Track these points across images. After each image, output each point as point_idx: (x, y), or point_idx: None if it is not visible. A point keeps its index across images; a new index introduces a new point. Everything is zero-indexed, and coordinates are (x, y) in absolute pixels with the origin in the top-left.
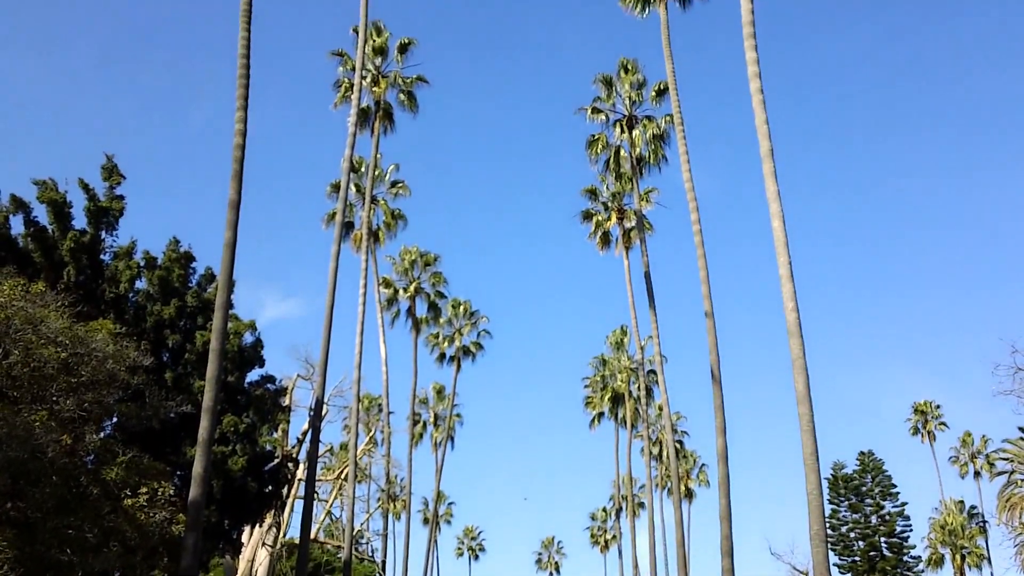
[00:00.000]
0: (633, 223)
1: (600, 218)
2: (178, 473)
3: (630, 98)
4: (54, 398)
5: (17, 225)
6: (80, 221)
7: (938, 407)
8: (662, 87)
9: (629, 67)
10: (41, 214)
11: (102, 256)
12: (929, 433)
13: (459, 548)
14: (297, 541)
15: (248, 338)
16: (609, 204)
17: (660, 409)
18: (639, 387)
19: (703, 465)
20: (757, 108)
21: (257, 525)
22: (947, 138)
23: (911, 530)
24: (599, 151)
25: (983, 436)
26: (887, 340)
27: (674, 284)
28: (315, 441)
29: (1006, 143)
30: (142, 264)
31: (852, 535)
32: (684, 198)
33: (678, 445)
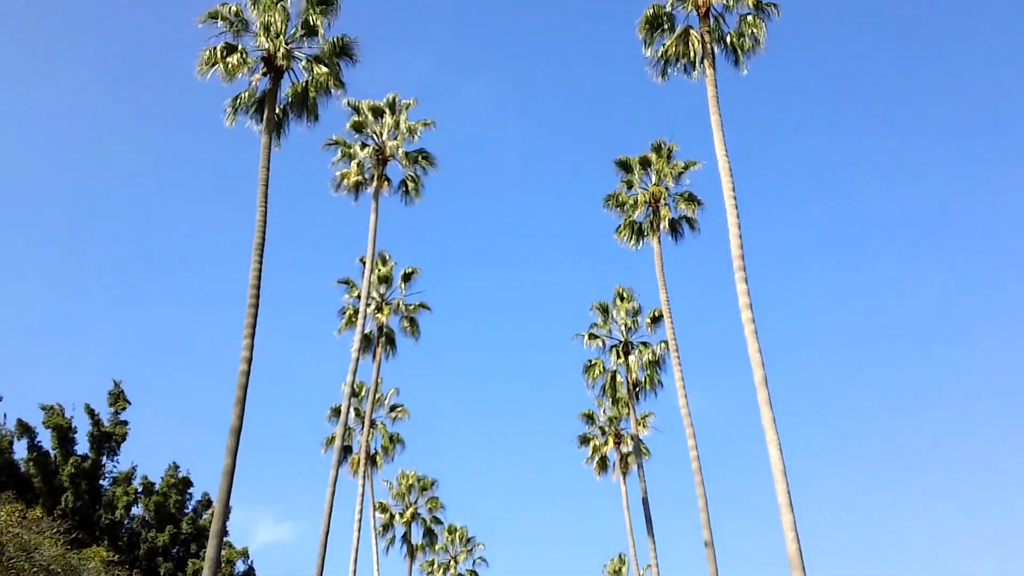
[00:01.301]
0: (630, 448)
1: (597, 443)
2: None
3: (626, 325)
4: None
5: (21, 450)
6: (83, 446)
7: None
8: (657, 314)
9: (624, 295)
10: (45, 439)
11: (101, 481)
12: None
13: None
14: None
15: (240, 566)
16: (606, 429)
17: None
18: None
19: None
20: (750, 338)
21: None
22: (946, 378)
23: None
24: (596, 376)
25: None
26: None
27: (673, 511)
28: None
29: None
30: (139, 490)
31: None
32: (681, 423)
33: None
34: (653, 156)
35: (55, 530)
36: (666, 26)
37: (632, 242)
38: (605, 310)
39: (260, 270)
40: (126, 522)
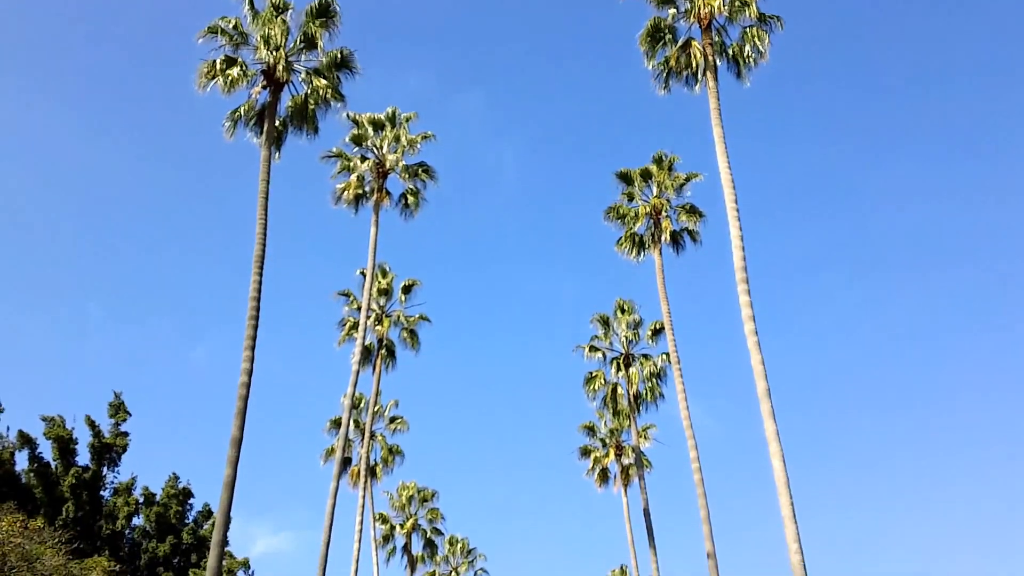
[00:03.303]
0: (631, 460)
1: (598, 455)
2: None
3: (627, 337)
4: None
5: (22, 461)
6: (84, 457)
7: None
8: (658, 326)
9: (625, 307)
10: (46, 450)
11: (102, 491)
12: None
13: None
14: None
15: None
16: (607, 441)
17: None
18: None
19: None
20: (753, 349)
21: None
22: (949, 354)
23: None
24: (596, 388)
25: None
26: None
27: (674, 522)
28: None
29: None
30: (140, 500)
31: None
32: (683, 435)
33: None
34: (654, 168)
35: (56, 540)
36: (667, 38)
37: (633, 254)
38: (606, 322)
39: (260, 282)
40: (127, 532)
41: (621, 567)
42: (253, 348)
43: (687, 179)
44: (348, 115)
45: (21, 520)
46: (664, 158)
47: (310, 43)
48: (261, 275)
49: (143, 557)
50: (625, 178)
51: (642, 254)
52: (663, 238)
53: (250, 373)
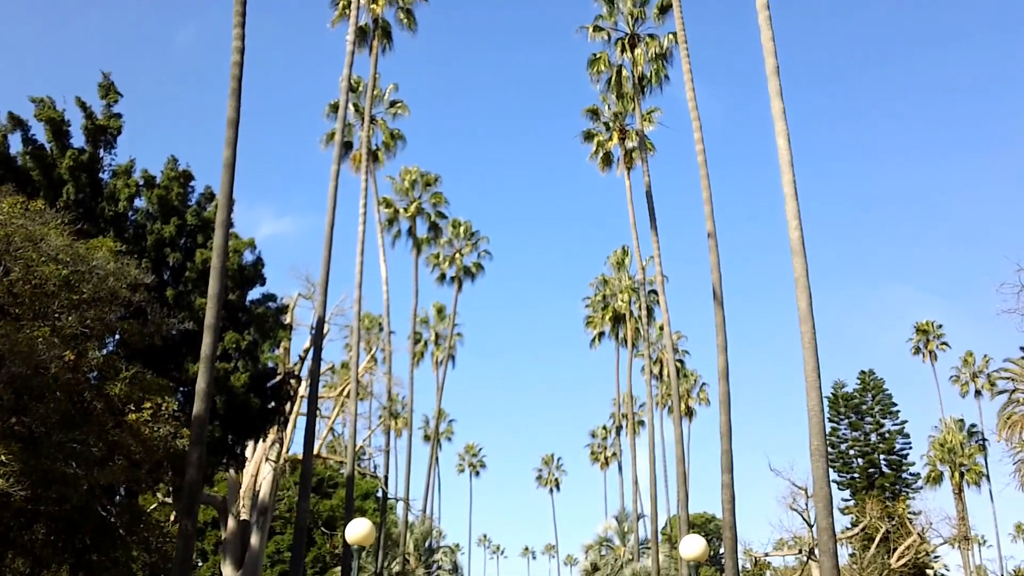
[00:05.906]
0: (635, 143)
1: (601, 138)
2: (181, 389)
3: (632, 16)
4: (56, 315)
5: (15, 144)
6: (78, 140)
7: (940, 327)
8: (665, 4)
9: None
10: (39, 132)
11: (101, 175)
12: (931, 353)
13: (460, 465)
14: (300, 457)
15: (248, 256)
16: (611, 124)
17: (661, 328)
18: (640, 307)
19: (703, 384)
20: (763, 25)
21: (260, 441)
22: (951, 55)
23: (910, 448)
24: (600, 70)
25: (985, 356)
26: (889, 260)
27: (676, 204)
28: (317, 359)
29: (1010, 61)
30: (141, 183)
31: (851, 452)
32: (687, 118)
33: (679, 364)
34: None
35: (59, 221)
36: None
37: None
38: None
39: None
40: (130, 214)
41: (623, 247)
42: (243, 25)
43: None
44: None
45: (22, 202)
46: None
47: None
48: None
49: (148, 238)
50: None
51: None
52: None
53: (242, 52)
